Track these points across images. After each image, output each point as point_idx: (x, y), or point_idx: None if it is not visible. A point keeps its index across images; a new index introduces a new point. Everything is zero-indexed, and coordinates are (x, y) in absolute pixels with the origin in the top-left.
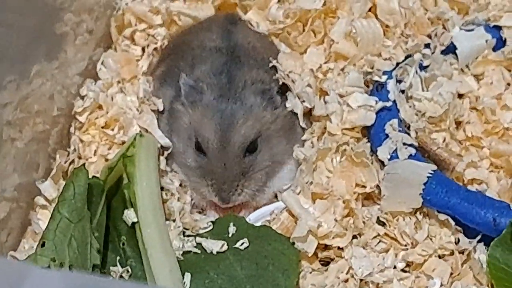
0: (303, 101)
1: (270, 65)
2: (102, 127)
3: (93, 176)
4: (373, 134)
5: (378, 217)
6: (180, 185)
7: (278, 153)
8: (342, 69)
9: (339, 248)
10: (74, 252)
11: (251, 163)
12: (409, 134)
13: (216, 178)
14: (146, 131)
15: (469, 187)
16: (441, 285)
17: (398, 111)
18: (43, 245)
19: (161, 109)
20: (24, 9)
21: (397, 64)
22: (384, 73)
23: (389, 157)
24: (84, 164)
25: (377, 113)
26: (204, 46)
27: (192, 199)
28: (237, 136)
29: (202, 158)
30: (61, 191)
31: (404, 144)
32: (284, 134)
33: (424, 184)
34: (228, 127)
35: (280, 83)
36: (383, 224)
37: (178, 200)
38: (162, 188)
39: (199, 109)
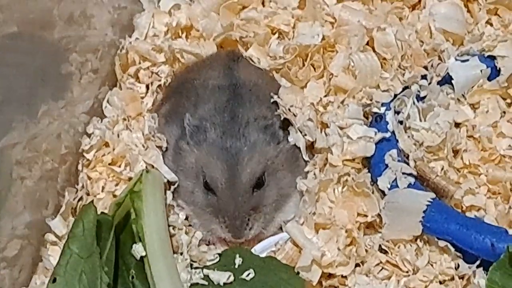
0: (305, 134)
1: (272, 100)
2: (109, 164)
3: (102, 212)
4: (373, 164)
5: (380, 245)
6: (186, 218)
7: (284, 186)
8: (342, 102)
9: (342, 276)
10: (85, 287)
11: (259, 198)
12: (408, 164)
13: (227, 215)
14: (152, 167)
15: (467, 213)
16: None
17: (397, 141)
18: (54, 280)
19: (165, 146)
20: (30, 50)
21: (395, 95)
22: (383, 104)
23: (389, 186)
24: (92, 201)
25: (376, 144)
26: (207, 85)
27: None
28: (245, 173)
29: (211, 197)
30: (71, 227)
31: (403, 173)
32: (288, 167)
33: (424, 211)
34: (235, 165)
35: (282, 118)
36: (385, 251)
37: (186, 233)
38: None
39: (204, 148)
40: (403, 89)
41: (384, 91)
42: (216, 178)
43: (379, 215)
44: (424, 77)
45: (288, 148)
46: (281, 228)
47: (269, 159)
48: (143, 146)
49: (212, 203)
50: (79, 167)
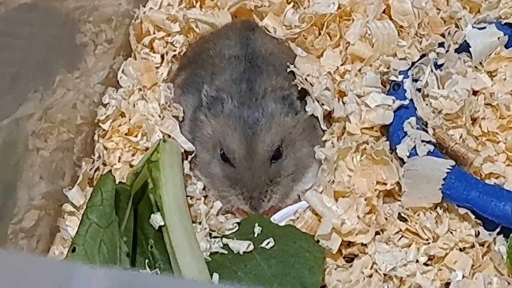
0: (323, 104)
1: (288, 70)
2: (126, 134)
3: (120, 182)
4: (391, 132)
5: (399, 213)
6: (204, 188)
7: (302, 157)
8: (359, 70)
9: (362, 244)
10: (104, 256)
11: (277, 169)
12: (427, 131)
13: (245, 187)
14: (169, 136)
15: (487, 181)
16: (463, 277)
17: (415, 109)
18: (73, 250)
19: (181, 116)
20: (44, 21)
21: (413, 63)
22: (400, 72)
23: (408, 154)
24: (110, 171)
25: (395, 112)
26: (223, 55)
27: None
28: (262, 145)
29: (228, 168)
30: (89, 197)
31: (422, 141)
32: (306, 138)
33: (444, 179)
34: (252, 137)
35: (299, 87)
36: (404, 219)
37: (204, 203)
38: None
39: (221, 119)
40: (421, 57)
41: (401, 59)
42: (233, 150)
43: (398, 183)
44: (441, 44)
45: (305, 118)
46: (299, 197)
47: (286, 130)
48: (159, 116)
49: (230, 175)
50: (95, 138)
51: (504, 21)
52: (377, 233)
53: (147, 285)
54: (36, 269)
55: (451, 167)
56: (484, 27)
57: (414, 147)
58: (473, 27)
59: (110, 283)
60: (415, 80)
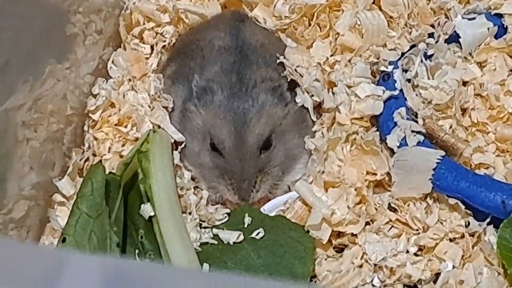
0: (312, 95)
1: (278, 61)
2: (115, 125)
3: (110, 172)
4: (381, 122)
5: (389, 203)
6: (193, 179)
7: (291, 148)
8: (349, 61)
9: (352, 234)
10: (94, 246)
11: (266, 159)
12: (416, 122)
13: (234, 177)
14: (159, 127)
15: (476, 171)
16: (453, 267)
17: (405, 99)
18: (64, 240)
19: (171, 106)
20: (33, 13)
21: (402, 54)
22: (390, 63)
23: (398, 144)
24: (100, 161)
25: (384, 102)
26: (213, 46)
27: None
28: (252, 135)
29: (218, 158)
30: (80, 187)
31: (412, 131)
32: (296, 129)
33: (434, 169)
34: (242, 127)
35: (289, 78)
36: (394, 210)
37: (194, 193)
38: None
39: (211, 110)
40: (410, 48)
41: (391, 49)
42: (223, 140)
43: (388, 173)
44: (431, 35)
45: (295, 109)
46: (289, 188)
47: (276, 121)
48: (149, 107)
49: (219, 165)
50: (85, 128)
51: (493, 12)
52: (367, 223)
53: (139, 273)
54: (28, 258)
55: (441, 158)
56: (474, 18)
57: (404, 137)
58: (463, 17)
59: (102, 271)
60: (405, 71)
